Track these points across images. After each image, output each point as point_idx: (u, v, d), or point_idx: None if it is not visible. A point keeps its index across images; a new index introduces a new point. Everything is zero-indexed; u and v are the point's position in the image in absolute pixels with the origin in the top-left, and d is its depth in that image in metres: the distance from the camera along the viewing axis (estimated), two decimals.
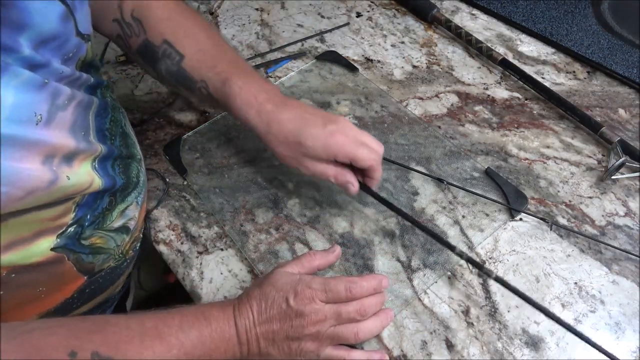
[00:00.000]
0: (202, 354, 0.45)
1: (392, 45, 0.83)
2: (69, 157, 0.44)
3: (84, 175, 0.46)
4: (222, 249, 0.61)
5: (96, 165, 0.49)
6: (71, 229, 0.47)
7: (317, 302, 0.47)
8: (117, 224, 0.54)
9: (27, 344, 0.37)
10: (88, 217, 0.49)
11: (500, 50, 0.81)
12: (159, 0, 0.57)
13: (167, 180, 0.67)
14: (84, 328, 0.41)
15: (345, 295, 0.48)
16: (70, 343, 0.38)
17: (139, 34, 0.57)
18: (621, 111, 0.72)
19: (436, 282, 0.57)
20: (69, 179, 0.44)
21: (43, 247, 0.45)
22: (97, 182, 0.48)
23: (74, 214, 0.47)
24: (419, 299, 0.56)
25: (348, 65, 0.79)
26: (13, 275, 0.44)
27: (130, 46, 0.58)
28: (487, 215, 0.62)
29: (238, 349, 0.47)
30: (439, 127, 0.71)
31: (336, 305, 0.48)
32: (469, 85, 0.77)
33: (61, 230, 0.47)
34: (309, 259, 0.53)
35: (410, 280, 0.57)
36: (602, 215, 0.62)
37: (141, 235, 0.61)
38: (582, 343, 0.52)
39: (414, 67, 0.80)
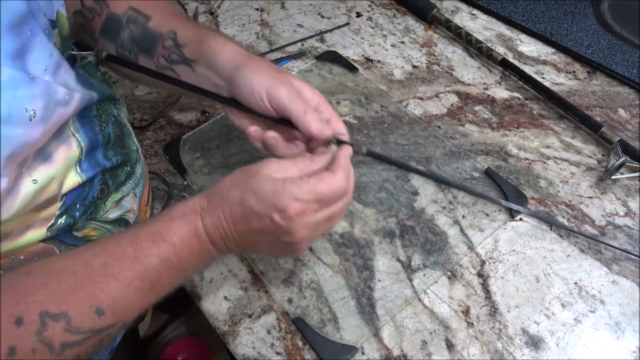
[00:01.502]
0: (172, 273, 0.41)
1: (392, 45, 0.83)
2: (47, 154, 0.43)
3: (59, 173, 0.44)
4: None
5: (82, 158, 0.47)
6: (61, 220, 0.46)
7: (307, 214, 0.41)
8: (113, 215, 0.52)
9: None
10: (78, 206, 0.47)
11: (500, 50, 0.81)
12: None
13: (168, 180, 0.67)
14: (29, 285, 0.37)
15: (340, 196, 0.43)
16: (15, 309, 0.35)
17: (102, 12, 0.53)
18: (621, 111, 0.72)
19: (436, 282, 0.57)
20: (35, 183, 0.41)
21: (31, 240, 0.44)
22: (74, 179, 0.46)
23: (61, 202, 0.45)
24: (419, 299, 0.56)
25: (348, 65, 0.79)
26: (1, 272, 0.43)
27: (93, 30, 0.54)
28: (487, 215, 0.62)
29: (217, 253, 0.44)
30: (439, 127, 0.71)
31: (327, 210, 0.43)
32: (469, 85, 0.77)
33: (50, 223, 0.45)
34: (308, 164, 0.44)
35: (410, 280, 0.57)
36: (602, 215, 0.62)
37: None
38: (582, 343, 0.52)
39: (414, 67, 0.80)
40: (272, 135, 0.47)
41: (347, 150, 0.45)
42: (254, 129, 0.47)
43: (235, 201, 0.42)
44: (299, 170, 0.43)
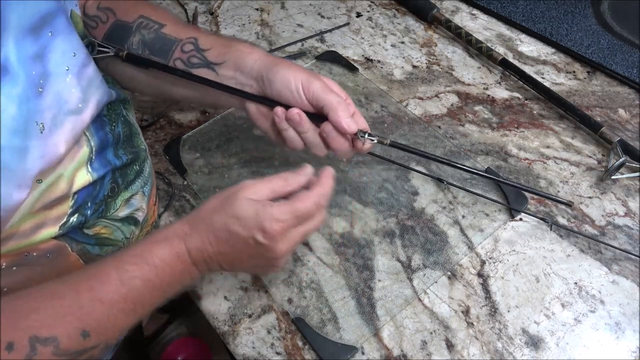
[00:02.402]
0: (154, 294, 0.43)
1: (392, 45, 0.83)
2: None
3: (67, 173, 0.45)
4: None
5: (93, 157, 0.48)
6: (73, 218, 0.47)
7: (287, 232, 0.45)
8: (123, 213, 0.53)
9: None
10: (89, 204, 0.48)
11: (500, 50, 0.81)
12: None
13: (170, 180, 0.67)
14: (20, 310, 0.39)
15: (316, 212, 0.46)
16: (7, 334, 0.37)
17: (107, 20, 0.55)
18: (621, 111, 0.72)
19: (436, 282, 0.57)
20: (39, 182, 0.42)
21: (44, 237, 0.45)
22: (85, 178, 0.47)
23: (73, 201, 0.46)
24: (419, 299, 0.56)
25: (348, 65, 0.79)
26: (14, 268, 0.44)
27: (95, 37, 0.56)
28: (487, 215, 0.62)
29: (197, 275, 0.46)
30: (439, 127, 0.71)
31: (304, 226, 0.46)
32: (469, 85, 0.77)
33: (63, 221, 0.46)
34: (282, 185, 0.47)
35: (410, 280, 0.57)
36: (602, 215, 0.62)
37: None
38: (582, 343, 0.52)
39: (414, 67, 0.80)
40: (296, 111, 0.49)
41: (330, 171, 0.48)
42: (280, 109, 0.50)
43: (219, 227, 0.44)
44: (273, 192, 0.46)
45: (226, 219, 0.44)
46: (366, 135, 0.50)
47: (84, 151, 0.47)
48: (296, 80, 0.49)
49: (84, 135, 0.47)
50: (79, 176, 0.46)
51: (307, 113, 0.50)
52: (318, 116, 0.50)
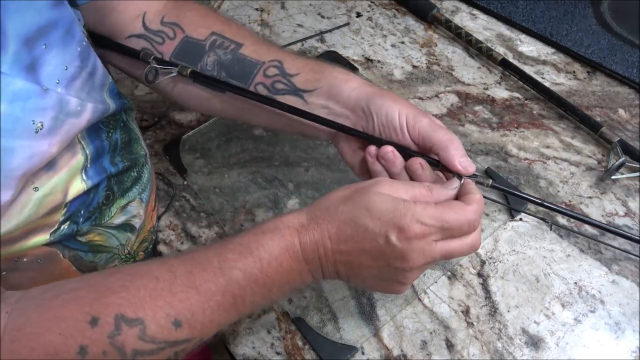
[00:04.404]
0: (256, 291, 0.38)
1: (392, 45, 0.83)
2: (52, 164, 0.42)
3: (62, 181, 0.44)
4: None
5: (88, 165, 0.46)
6: (64, 226, 0.45)
7: (427, 242, 0.38)
8: (118, 220, 0.52)
9: (46, 314, 0.34)
10: (82, 212, 0.47)
11: (500, 50, 0.81)
12: (189, 2, 0.53)
13: (171, 181, 0.67)
14: (109, 286, 0.36)
15: (467, 231, 0.39)
16: (92, 308, 0.35)
17: (175, 36, 0.51)
18: (621, 111, 0.72)
19: (436, 282, 0.57)
20: (36, 190, 0.41)
21: (35, 244, 0.44)
22: (79, 186, 0.45)
23: (65, 209, 0.45)
24: (419, 299, 0.56)
25: (348, 66, 0.79)
26: (4, 273, 0.43)
27: (162, 53, 0.52)
28: (487, 215, 0.62)
29: (308, 277, 0.40)
30: None
31: (449, 243, 0.39)
32: (469, 85, 0.77)
33: (54, 229, 0.44)
34: (425, 195, 0.40)
35: None
36: (602, 215, 0.62)
37: (154, 237, 0.59)
38: (582, 343, 0.52)
39: (414, 67, 0.80)
40: (390, 149, 0.43)
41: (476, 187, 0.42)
42: (373, 148, 0.44)
43: (346, 219, 0.39)
44: (413, 198, 0.39)
45: (355, 211, 0.38)
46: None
47: (78, 159, 0.45)
48: (401, 117, 0.43)
49: (79, 144, 0.45)
50: (74, 185, 0.45)
51: (418, 153, 0.44)
52: (424, 156, 0.44)
